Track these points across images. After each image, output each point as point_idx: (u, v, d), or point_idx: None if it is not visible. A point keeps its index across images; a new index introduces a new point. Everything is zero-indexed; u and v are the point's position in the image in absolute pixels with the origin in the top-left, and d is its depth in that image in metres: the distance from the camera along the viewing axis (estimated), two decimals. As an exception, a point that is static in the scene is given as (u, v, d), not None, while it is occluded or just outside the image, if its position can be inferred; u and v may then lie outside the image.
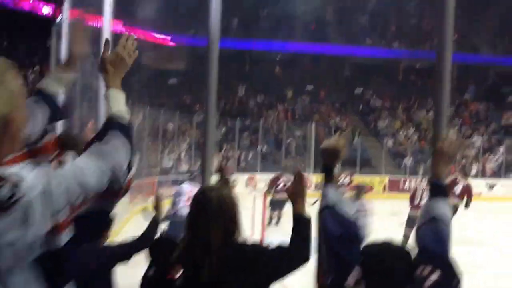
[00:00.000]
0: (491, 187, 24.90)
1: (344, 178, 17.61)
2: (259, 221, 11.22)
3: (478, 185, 24.77)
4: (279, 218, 15.11)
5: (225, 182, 2.81)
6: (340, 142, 2.51)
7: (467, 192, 12.63)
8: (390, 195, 23.47)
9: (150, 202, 3.30)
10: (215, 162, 3.09)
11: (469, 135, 29.04)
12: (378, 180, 24.29)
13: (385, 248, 2.00)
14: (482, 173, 25.81)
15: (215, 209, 2.40)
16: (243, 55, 30.37)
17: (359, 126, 28.90)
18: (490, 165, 26.72)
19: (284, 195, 12.22)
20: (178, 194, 9.01)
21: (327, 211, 2.29)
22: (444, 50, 2.49)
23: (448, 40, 2.48)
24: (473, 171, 26.03)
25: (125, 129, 1.87)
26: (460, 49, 24.99)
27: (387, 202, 22.07)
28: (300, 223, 2.55)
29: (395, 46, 32.08)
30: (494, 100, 32.54)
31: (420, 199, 11.65)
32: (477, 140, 28.33)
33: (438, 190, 2.23)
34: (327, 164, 2.52)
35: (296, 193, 2.60)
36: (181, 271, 2.49)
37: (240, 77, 29.39)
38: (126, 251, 3.51)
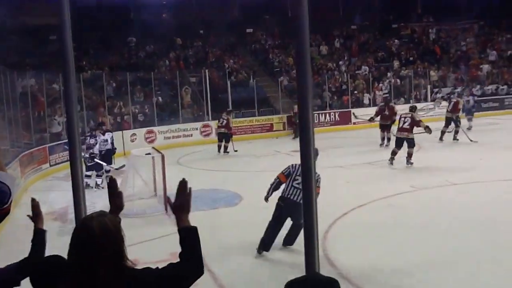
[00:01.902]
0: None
1: (222, 121, 19.70)
2: (160, 180, 11.02)
3: (371, 113, 25.77)
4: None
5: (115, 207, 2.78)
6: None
7: (415, 123, 14.79)
8: (289, 132, 23.88)
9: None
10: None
11: (358, 66, 29.88)
12: (277, 119, 24.56)
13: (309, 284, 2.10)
14: (373, 102, 26.71)
15: (98, 239, 2.27)
16: (127, 5, 29.35)
17: (254, 67, 28.96)
18: (380, 93, 27.69)
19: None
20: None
21: None
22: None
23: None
24: (365, 101, 26.95)
25: None
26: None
27: (287, 140, 22.47)
28: (188, 235, 2.45)
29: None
30: (379, 29, 33.54)
31: (404, 123, 14.81)
32: (366, 70, 29.22)
33: None
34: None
35: (181, 206, 2.49)
36: None
37: (127, 28, 28.37)
38: (12, 277, 3.10)
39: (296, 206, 7.75)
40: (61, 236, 7.63)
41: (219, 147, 19.57)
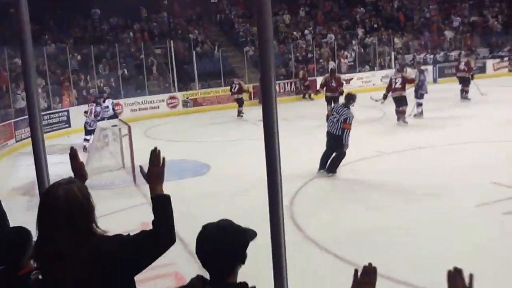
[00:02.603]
0: (348, 81, 26.13)
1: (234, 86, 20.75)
2: (128, 152, 11.05)
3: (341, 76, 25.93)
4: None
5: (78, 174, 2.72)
6: None
7: (407, 81, 16.20)
8: (256, 102, 23.94)
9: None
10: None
11: (324, 34, 29.95)
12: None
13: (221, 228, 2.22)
14: (339, 69, 26.89)
15: (63, 207, 2.21)
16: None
17: (219, 37, 28.81)
18: (346, 61, 27.88)
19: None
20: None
21: None
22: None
23: None
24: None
25: None
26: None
27: (254, 109, 22.56)
28: (162, 203, 2.46)
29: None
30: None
31: (395, 83, 15.93)
32: (331, 38, 29.32)
33: None
34: None
35: (155, 175, 2.50)
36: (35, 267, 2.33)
37: (90, 1, 27.80)
38: None
39: (333, 137, 10.28)
40: (29, 211, 7.68)
41: (239, 112, 20.30)
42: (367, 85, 26.42)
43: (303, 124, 16.84)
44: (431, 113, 16.83)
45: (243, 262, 2.19)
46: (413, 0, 34.80)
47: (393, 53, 28.95)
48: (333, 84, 17.76)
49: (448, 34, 31.58)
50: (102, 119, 14.96)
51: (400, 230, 7.35)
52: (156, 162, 2.52)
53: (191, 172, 11.64)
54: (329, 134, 10.44)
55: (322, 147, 10.61)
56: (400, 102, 15.95)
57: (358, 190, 9.50)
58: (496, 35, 32.34)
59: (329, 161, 10.39)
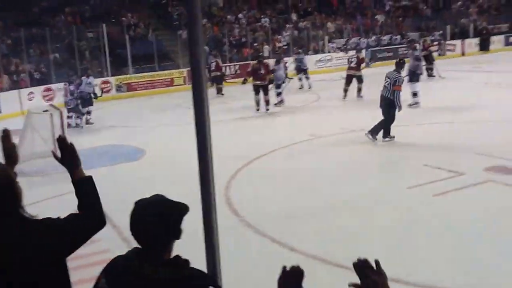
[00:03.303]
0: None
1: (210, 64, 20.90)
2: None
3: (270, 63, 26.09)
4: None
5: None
6: None
7: (361, 61, 18.24)
8: (190, 86, 23.77)
9: None
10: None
11: (258, 18, 30.01)
12: (178, 74, 24.35)
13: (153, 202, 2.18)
14: (272, 53, 27.09)
15: None
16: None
17: (152, 21, 28.39)
18: (280, 45, 28.07)
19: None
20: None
21: None
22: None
23: None
24: (265, 53, 27.21)
25: None
26: None
27: (189, 93, 22.28)
28: (87, 186, 2.45)
29: None
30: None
31: (351, 62, 17.98)
32: (266, 22, 29.43)
33: None
34: None
35: (69, 161, 2.49)
36: None
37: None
38: None
39: (385, 100, 11.19)
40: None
41: (218, 90, 21.04)
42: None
43: (238, 107, 16.93)
44: (366, 97, 17.14)
45: (178, 238, 2.17)
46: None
47: (326, 37, 29.33)
48: (262, 71, 16.52)
49: (380, 18, 32.25)
50: (84, 95, 16.03)
51: (333, 211, 7.53)
52: (65, 148, 2.50)
53: (125, 157, 11.51)
54: (382, 97, 11.36)
55: (258, 130, 10.69)
56: (357, 79, 17.71)
57: (292, 173, 9.65)
58: (426, 19, 33.32)
59: (376, 124, 11.29)
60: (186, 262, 2.12)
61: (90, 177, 2.49)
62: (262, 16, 30.31)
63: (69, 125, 14.84)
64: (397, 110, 11.17)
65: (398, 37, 31.04)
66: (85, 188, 2.47)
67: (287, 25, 29.75)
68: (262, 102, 16.26)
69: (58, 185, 9.45)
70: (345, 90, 17.70)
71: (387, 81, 11.30)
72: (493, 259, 5.75)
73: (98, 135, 14.33)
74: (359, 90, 17.70)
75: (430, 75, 21.22)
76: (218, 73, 21.40)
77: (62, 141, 2.51)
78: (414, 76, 15.92)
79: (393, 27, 32.17)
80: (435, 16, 33.61)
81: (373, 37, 30.56)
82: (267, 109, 16.24)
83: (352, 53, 21.28)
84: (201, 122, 2.31)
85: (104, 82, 22.69)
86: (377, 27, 31.97)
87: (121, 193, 8.11)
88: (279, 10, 31.56)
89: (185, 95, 20.60)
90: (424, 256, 5.92)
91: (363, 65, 18.20)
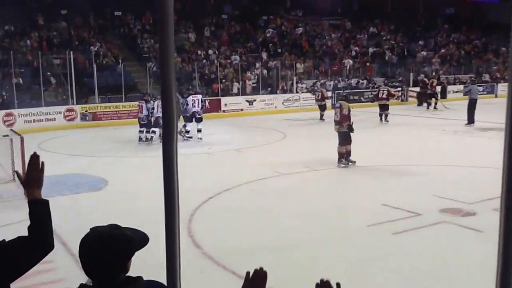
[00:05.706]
0: (251, 103, 26.58)
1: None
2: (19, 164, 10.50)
3: (240, 101, 26.33)
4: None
5: None
6: None
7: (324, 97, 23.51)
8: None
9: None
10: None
11: (227, 55, 30.20)
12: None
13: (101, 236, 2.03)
14: (242, 91, 27.23)
15: None
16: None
17: (122, 51, 28.30)
18: (250, 83, 28.23)
19: None
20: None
21: None
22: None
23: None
24: (235, 90, 27.34)
25: None
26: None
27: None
28: (38, 208, 2.35)
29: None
30: (249, 20, 34.08)
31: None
32: (236, 60, 29.63)
33: None
34: None
35: (33, 180, 2.39)
36: None
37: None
38: None
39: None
40: None
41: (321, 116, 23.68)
42: (269, 108, 26.90)
43: (205, 142, 16.88)
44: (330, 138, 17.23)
45: (125, 272, 2.05)
46: (316, 28, 36.05)
47: (294, 78, 29.63)
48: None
49: (347, 62, 32.85)
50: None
51: (294, 248, 7.48)
52: (34, 166, 2.40)
53: (87, 187, 11.27)
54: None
55: (224, 165, 10.63)
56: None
57: (255, 208, 9.59)
58: (392, 66, 34.14)
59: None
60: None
61: (47, 201, 2.39)
62: (232, 53, 30.49)
63: (140, 139, 17.24)
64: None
65: (365, 81, 31.59)
66: (39, 209, 2.35)
67: (257, 64, 29.95)
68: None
69: (13, 212, 9.15)
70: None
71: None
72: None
73: (60, 163, 14.03)
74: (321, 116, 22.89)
75: (385, 120, 22.40)
76: (323, 103, 23.82)
77: (35, 160, 2.41)
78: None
79: (360, 72, 32.81)
80: (401, 64, 34.49)
81: (342, 82, 30.97)
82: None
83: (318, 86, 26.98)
84: (169, 156, 2.22)
85: (69, 110, 22.38)
86: (344, 71, 32.51)
87: (82, 223, 7.90)
88: (250, 48, 31.85)
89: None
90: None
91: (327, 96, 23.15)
